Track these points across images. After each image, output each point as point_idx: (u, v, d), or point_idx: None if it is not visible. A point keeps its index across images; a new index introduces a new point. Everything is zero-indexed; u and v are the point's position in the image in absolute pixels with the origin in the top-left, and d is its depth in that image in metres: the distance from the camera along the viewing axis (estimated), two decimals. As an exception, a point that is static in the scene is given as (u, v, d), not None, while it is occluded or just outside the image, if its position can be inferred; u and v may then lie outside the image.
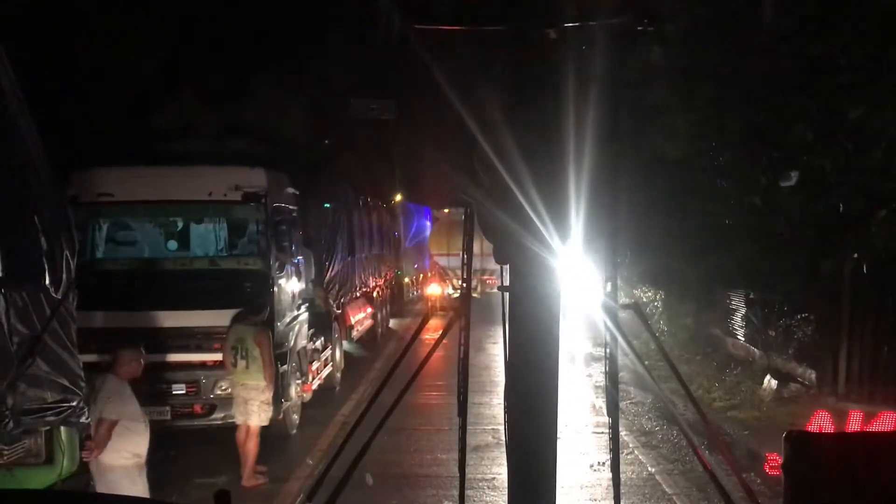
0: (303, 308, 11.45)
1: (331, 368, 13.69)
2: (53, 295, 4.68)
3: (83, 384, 5.12)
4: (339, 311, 14.54)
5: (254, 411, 8.85)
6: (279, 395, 9.85)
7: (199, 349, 9.43)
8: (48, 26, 14.74)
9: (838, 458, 2.36)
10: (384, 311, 22.18)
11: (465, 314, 2.66)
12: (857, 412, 4.69)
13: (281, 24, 22.43)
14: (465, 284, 2.95)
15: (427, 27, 2.42)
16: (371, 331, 19.62)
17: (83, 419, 5.15)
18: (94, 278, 9.82)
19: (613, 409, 2.78)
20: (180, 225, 10.35)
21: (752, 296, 14.48)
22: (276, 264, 9.99)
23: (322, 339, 13.25)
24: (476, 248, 2.99)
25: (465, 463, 2.96)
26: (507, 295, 2.54)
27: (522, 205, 2.30)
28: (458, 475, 3.08)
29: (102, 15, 16.08)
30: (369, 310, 19.08)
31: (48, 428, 5.10)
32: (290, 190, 11.13)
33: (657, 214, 16.59)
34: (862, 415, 4.59)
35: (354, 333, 16.81)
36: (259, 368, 8.73)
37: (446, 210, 32.66)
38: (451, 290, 27.78)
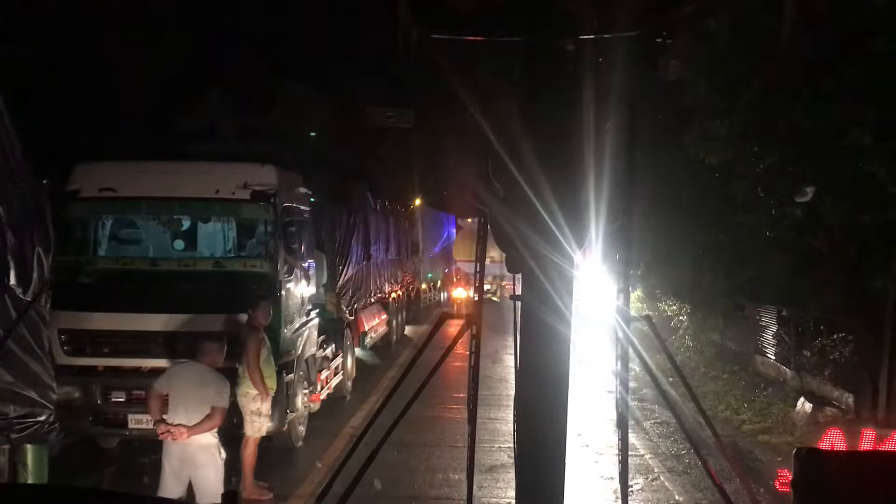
0: (313, 314, 10.92)
1: (341, 377, 13.15)
2: (21, 296, 4.16)
3: (55, 396, 4.59)
4: (352, 318, 14.01)
5: (246, 420, 8.31)
6: (285, 405, 9.34)
7: (201, 355, 8.88)
8: (73, 24, 14.58)
9: (848, 477, 2.28)
10: (399, 318, 21.67)
11: (476, 322, 2.63)
12: (870, 430, 4.63)
13: (302, 32, 22.46)
14: (477, 292, 2.94)
15: (445, 37, 2.43)
16: (385, 338, 19.16)
17: (53, 435, 4.63)
18: (93, 277, 9.41)
19: (623, 419, 2.84)
20: (185, 224, 9.82)
21: (784, 313, 13.79)
22: (285, 268, 9.46)
23: (333, 346, 12.72)
24: (496, 254, 2.89)
25: (473, 471, 2.97)
26: (519, 304, 2.53)
27: (536, 214, 2.29)
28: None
29: (127, 14, 15.93)
30: (384, 316, 18.59)
31: (10, 446, 4.59)
32: (303, 190, 10.62)
33: (685, 225, 15.95)
34: (875, 433, 4.53)
35: (368, 340, 16.31)
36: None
37: (469, 220, 33.11)
38: (473, 293, 27.96)
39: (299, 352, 10.12)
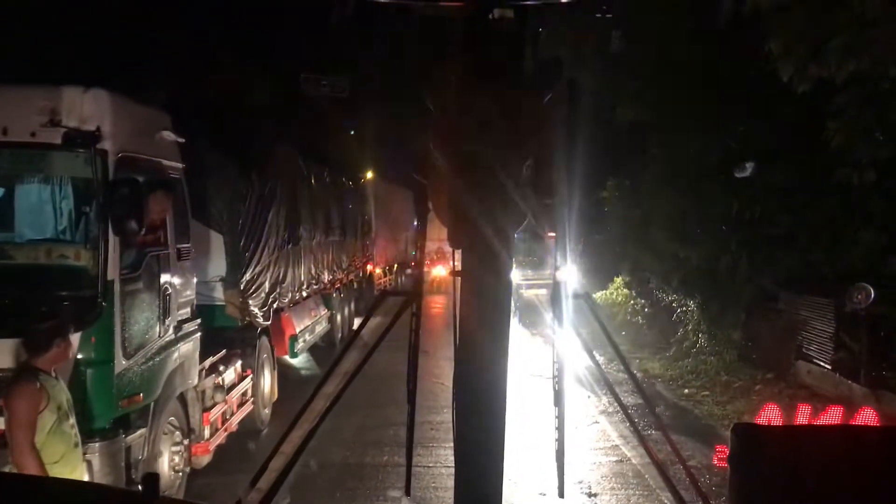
0: (191, 325, 7.20)
1: (251, 406, 9.45)
2: None
3: None
4: (270, 322, 10.25)
5: None
6: (124, 485, 5.66)
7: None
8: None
9: (785, 451, 2.27)
10: (346, 311, 18.01)
11: (416, 300, 2.57)
12: (805, 405, 4.57)
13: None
14: (418, 266, 3.04)
15: (383, 1, 2.43)
16: (327, 337, 15.55)
17: None
18: None
19: (560, 396, 2.77)
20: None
21: (848, 307, 10.36)
22: (125, 257, 5.75)
23: (237, 365, 9.05)
24: None
25: (412, 451, 2.95)
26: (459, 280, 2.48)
27: (475, 188, 2.27)
28: None
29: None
30: (323, 311, 14.92)
31: None
32: (170, 136, 6.83)
33: (704, 193, 12.54)
34: (810, 408, 4.54)
35: (300, 345, 12.60)
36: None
37: None
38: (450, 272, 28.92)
39: (160, 391, 6.39)
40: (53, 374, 4.54)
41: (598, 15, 2.56)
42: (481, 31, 2.28)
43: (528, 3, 2.35)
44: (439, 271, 28.16)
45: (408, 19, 2.54)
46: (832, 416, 4.61)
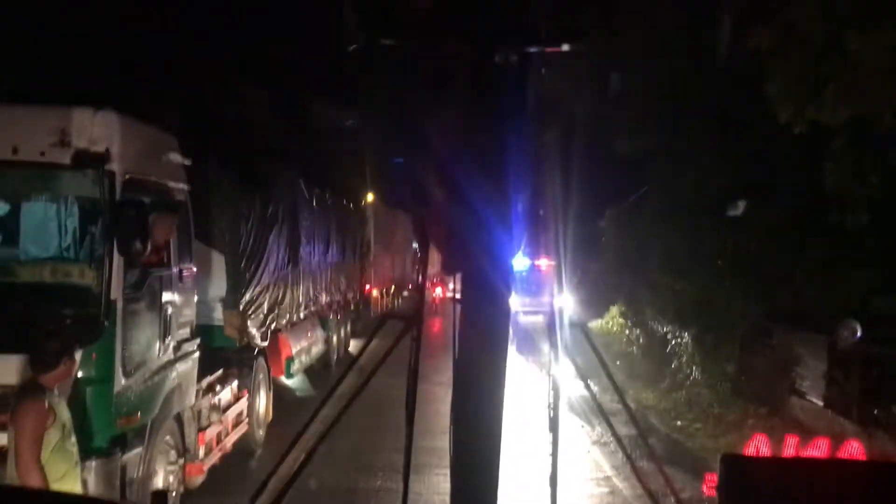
0: (190, 345, 7.26)
1: (246, 427, 9.49)
2: None
3: None
4: (267, 343, 10.31)
5: None
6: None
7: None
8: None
9: (773, 482, 2.34)
10: (342, 333, 18.03)
11: (416, 324, 2.61)
12: (792, 437, 4.65)
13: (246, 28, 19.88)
14: (419, 291, 3.45)
15: (392, 42, 2.44)
16: (323, 358, 15.56)
17: None
18: None
19: (555, 421, 2.81)
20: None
21: (839, 345, 10.43)
22: (128, 277, 5.84)
23: (233, 385, 9.09)
24: None
25: (409, 476, 2.89)
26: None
27: (473, 218, 2.32)
28: None
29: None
30: (320, 333, 14.96)
31: None
32: (175, 157, 6.95)
33: (700, 228, 12.66)
34: (797, 440, 4.61)
35: (296, 366, 12.65)
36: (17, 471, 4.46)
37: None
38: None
39: (158, 410, 6.45)
40: (56, 392, 4.62)
41: (599, 55, 2.82)
42: (486, 72, 2.34)
43: (533, 49, 2.41)
44: (438, 293, 28.95)
45: (415, 59, 2.60)
46: (819, 448, 4.61)
